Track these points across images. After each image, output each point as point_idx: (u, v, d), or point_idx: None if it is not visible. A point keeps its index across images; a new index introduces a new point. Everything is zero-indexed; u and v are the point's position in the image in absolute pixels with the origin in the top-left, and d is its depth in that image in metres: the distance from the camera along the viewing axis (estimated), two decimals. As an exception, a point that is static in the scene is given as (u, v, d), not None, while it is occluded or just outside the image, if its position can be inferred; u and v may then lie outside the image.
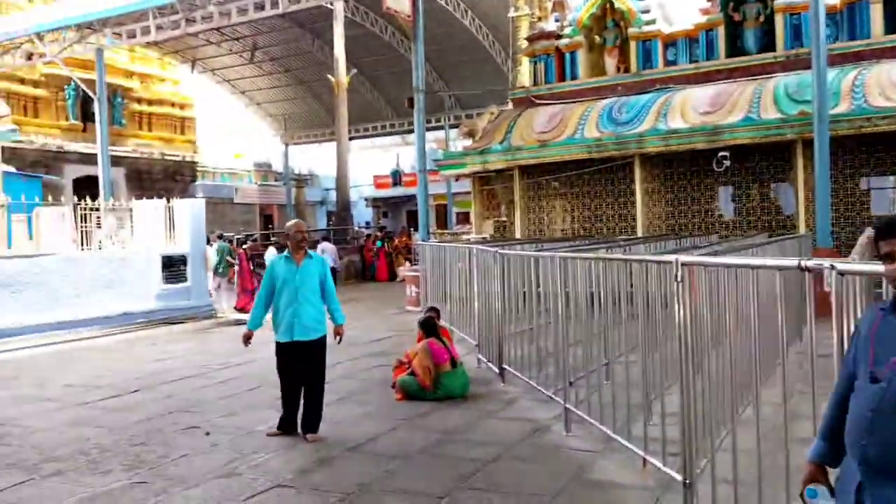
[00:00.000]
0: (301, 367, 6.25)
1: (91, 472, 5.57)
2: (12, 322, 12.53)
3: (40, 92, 29.54)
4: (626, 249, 9.61)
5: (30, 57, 24.37)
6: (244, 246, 18.68)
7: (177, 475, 5.43)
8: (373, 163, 46.90)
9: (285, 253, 6.37)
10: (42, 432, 6.81)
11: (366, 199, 42.75)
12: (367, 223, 40.15)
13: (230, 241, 17.46)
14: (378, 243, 26.07)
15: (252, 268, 17.61)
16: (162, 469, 5.60)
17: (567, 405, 6.25)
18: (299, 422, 6.35)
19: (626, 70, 16.92)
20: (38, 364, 10.84)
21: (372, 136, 39.43)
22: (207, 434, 6.51)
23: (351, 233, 28.81)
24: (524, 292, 7.69)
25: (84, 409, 7.71)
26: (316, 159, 43.68)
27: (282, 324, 6.21)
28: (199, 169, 36.29)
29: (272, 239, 21.78)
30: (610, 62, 17.17)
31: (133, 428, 6.83)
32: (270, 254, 18.28)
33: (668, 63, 16.59)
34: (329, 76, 27.60)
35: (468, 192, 36.30)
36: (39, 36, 22.51)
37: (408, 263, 23.90)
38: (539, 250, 8.66)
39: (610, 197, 16.42)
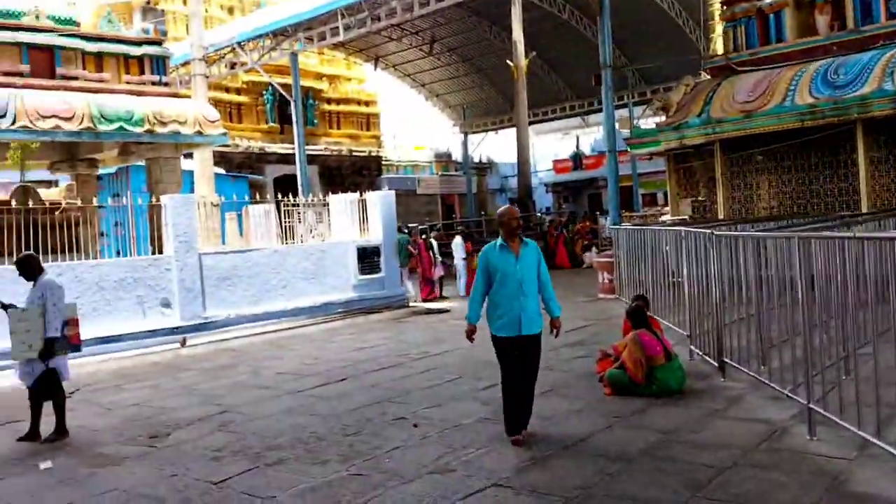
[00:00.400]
0: (523, 362, 5.84)
1: (310, 462, 5.65)
2: (229, 313, 13.44)
3: (242, 98, 31.99)
4: (854, 227, 8.49)
5: (233, 66, 26.36)
6: (423, 236, 18.96)
7: (391, 469, 5.36)
8: (551, 147, 46.28)
9: (498, 241, 5.88)
10: (261, 420, 7.08)
11: (545, 185, 42.25)
12: (548, 209, 39.66)
13: (409, 232, 17.76)
14: (560, 229, 25.48)
15: (434, 257, 17.83)
16: (376, 461, 5.55)
17: (811, 405, 5.48)
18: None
19: (841, 27, 15.10)
20: (252, 352, 11.50)
21: (551, 119, 38.72)
22: (416, 426, 6.42)
23: (534, 219, 28.42)
24: (746, 276, 6.93)
25: (297, 398, 7.97)
26: (493, 147, 43.80)
27: (504, 317, 5.76)
28: (383, 163, 37.67)
29: (457, 227, 21.94)
30: (821, 20, 15.41)
31: (344, 417, 6.92)
32: (457, 243, 18.42)
33: (891, 16, 14.59)
34: (508, 62, 27.34)
35: (653, 173, 34.96)
36: (241, 45, 24.21)
37: (594, 249, 23.19)
38: (763, 230, 7.81)
39: (826, 169, 14.76)
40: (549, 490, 4.76)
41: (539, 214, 31.82)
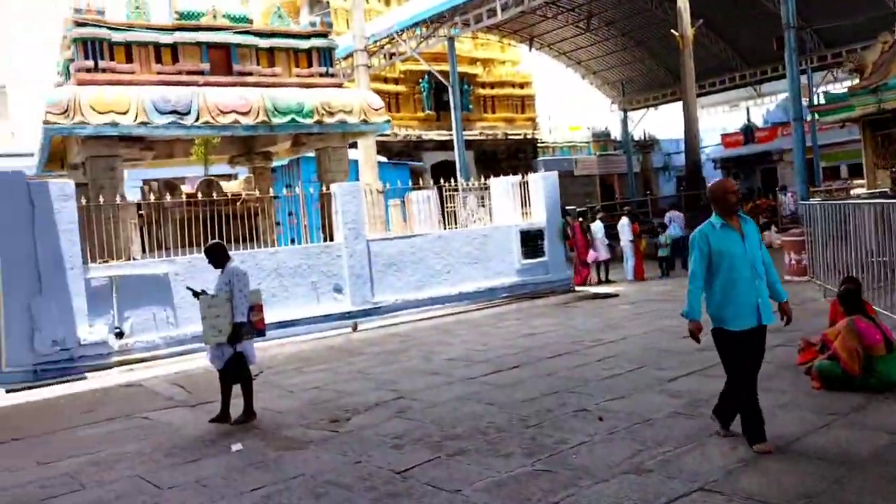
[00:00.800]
0: (758, 356, 5.15)
1: (492, 454, 5.41)
2: (396, 298, 13.61)
3: (400, 88, 32.52)
4: None
5: (391, 56, 26.79)
6: (580, 219, 18.44)
7: (580, 466, 5.00)
8: (718, 120, 43.59)
9: (713, 220, 5.15)
10: (437, 407, 6.96)
11: (713, 161, 39.84)
12: (715, 186, 37.34)
13: (565, 215, 17.28)
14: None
15: (590, 240, 17.38)
16: (562, 457, 5.22)
17: None
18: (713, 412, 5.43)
19: None
20: (420, 337, 11.53)
21: (718, 90, 36.28)
22: (600, 419, 6.02)
23: (704, 198, 26.75)
24: None
25: (470, 385, 7.79)
26: (654, 123, 41.89)
27: (739, 307, 5.01)
28: (539, 145, 37.05)
29: (624, 208, 21.06)
30: None
31: (522, 407, 6.64)
32: (623, 224, 17.65)
33: None
34: (672, 31, 25.87)
35: (836, 144, 31.91)
36: (399, 34, 24.53)
37: (773, 227, 21.51)
38: None
39: None
40: (766, 497, 4.22)
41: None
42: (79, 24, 12.54)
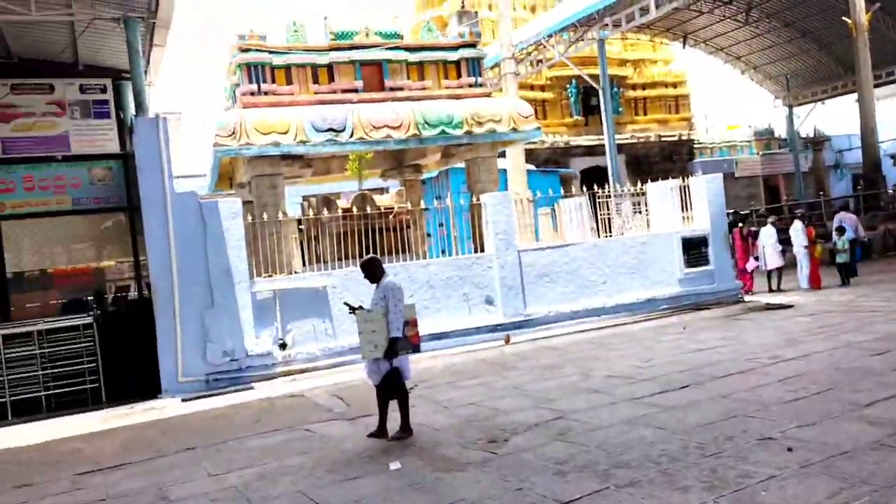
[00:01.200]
0: None
1: (668, 487, 4.94)
2: (549, 310, 13.23)
3: (546, 95, 32.18)
4: None
5: (538, 62, 26.49)
6: (741, 224, 17.32)
7: (772, 505, 4.44)
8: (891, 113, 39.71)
9: None
10: (601, 430, 6.54)
11: (891, 157, 36.25)
12: (896, 185, 33.95)
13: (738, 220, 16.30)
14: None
15: (750, 247, 16.51)
16: (749, 493, 4.66)
17: None
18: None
19: None
20: (577, 352, 11.08)
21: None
22: (790, 450, 5.38)
23: (884, 197, 24.27)
24: None
25: (635, 406, 7.29)
26: (822, 119, 38.73)
27: None
28: (695, 146, 35.32)
29: (797, 211, 19.46)
30: None
31: (696, 433, 6.08)
32: (796, 228, 16.35)
33: None
34: (844, 18, 23.76)
35: None
36: (546, 39, 24.18)
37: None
38: None
39: None
40: None
41: (891, 191, 27.19)
42: (243, 50, 13.20)
